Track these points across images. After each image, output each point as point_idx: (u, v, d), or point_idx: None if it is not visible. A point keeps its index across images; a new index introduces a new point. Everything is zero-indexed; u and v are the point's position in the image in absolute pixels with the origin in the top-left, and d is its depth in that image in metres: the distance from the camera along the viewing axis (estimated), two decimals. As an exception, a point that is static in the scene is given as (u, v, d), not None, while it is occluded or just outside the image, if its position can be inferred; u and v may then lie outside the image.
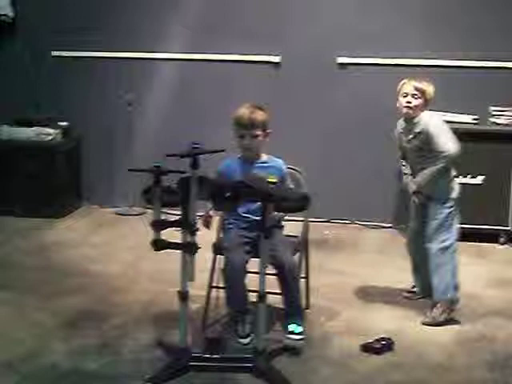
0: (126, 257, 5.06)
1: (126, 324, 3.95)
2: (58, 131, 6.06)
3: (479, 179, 5.51)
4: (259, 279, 3.36)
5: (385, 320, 4.09)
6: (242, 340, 3.68)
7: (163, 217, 3.34)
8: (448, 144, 4.00)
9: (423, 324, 4.06)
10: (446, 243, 4.11)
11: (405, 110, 4.09)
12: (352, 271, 4.92)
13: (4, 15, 6.20)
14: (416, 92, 4.07)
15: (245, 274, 3.63)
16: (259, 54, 6.04)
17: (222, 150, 3.32)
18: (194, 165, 3.22)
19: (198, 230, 3.26)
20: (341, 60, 5.93)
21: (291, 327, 3.69)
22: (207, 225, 3.66)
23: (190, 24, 6.06)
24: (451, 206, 4.14)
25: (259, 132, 3.79)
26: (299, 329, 3.69)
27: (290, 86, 6.04)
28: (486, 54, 5.65)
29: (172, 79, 6.19)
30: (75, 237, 5.55)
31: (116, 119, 6.15)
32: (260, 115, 3.81)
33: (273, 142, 5.86)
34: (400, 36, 5.79)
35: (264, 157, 3.89)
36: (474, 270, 4.96)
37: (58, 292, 4.38)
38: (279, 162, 3.88)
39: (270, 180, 3.20)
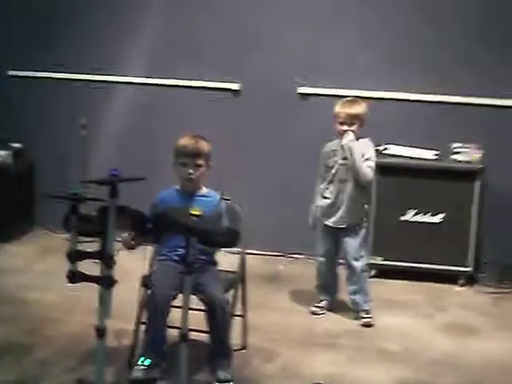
0: (66, 285, 4.81)
1: (50, 359, 3.74)
2: (8, 153, 5.85)
3: (438, 217, 5.30)
4: (181, 316, 3.16)
5: (326, 363, 3.89)
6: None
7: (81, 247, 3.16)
8: (368, 170, 4.41)
9: (364, 325, 4.44)
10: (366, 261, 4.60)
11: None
12: (301, 309, 4.71)
13: (-42, 34, 6.04)
14: (352, 120, 4.36)
15: (166, 312, 3.43)
16: (218, 81, 5.88)
17: (142, 178, 3.14)
18: (113, 193, 3.02)
19: (114, 262, 3.06)
20: (301, 90, 5.77)
21: (220, 374, 3.49)
22: (129, 246, 3.44)
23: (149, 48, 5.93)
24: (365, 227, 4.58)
25: (203, 162, 3.65)
26: (228, 376, 3.49)
27: (250, 114, 5.87)
28: (450, 88, 5.46)
29: (128, 103, 6.00)
30: (18, 263, 5.32)
31: (70, 142, 5.95)
32: (205, 145, 3.70)
33: (233, 170, 5.78)
34: (362, 68, 5.61)
35: (204, 189, 3.73)
36: (428, 313, 4.77)
37: (-17, 322, 4.18)
38: (218, 197, 3.70)
39: (193, 212, 3.01)
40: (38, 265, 5.31)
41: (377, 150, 5.35)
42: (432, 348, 4.18)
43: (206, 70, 5.89)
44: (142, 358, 3.46)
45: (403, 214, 5.32)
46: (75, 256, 3.12)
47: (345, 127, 4.39)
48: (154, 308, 3.42)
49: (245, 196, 5.70)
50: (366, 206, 4.57)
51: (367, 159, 4.41)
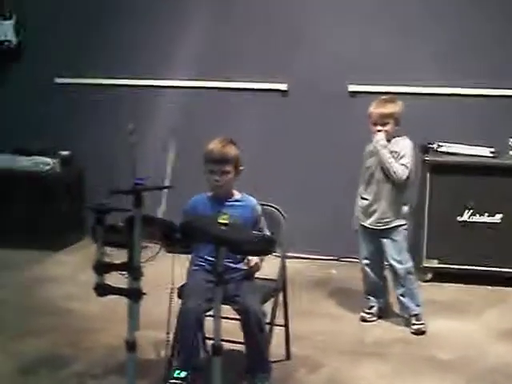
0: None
1: (87, 372, 3.65)
2: (56, 161, 5.83)
3: (497, 217, 5.04)
4: (214, 329, 3.02)
5: (373, 375, 3.69)
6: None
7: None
8: (401, 168, 4.20)
9: (415, 333, 4.22)
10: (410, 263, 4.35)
11: None
12: (351, 316, 4.51)
13: (7, 41, 6.05)
14: (384, 120, 4.21)
15: (198, 325, 3.30)
16: (266, 82, 5.74)
17: (169, 187, 3.03)
18: (137, 202, 2.91)
19: (142, 274, 2.95)
20: (352, 88, 5.59)
21: None
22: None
23: (196, 51, 5.84)
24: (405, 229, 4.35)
25: (230, 168, 3.49)
26: None
27: (298, 114, 5.71)
28: (505, 82, 5.23)
29: (175, 107, 5.91)
30: (64, 272, 5.27)
31: (118, 149, 5.89)
32: (232, 150, 3.53)
33: (282, 172, 5.64)
34: (414, 63, 5.42)
35: (236, 195, 3.59)
36: (488, 319, 4.52)
37: (26, 333, 4.12)
38: (252, 201, 3.56)
39: (221, 221, 2.87)
40: (82, 274, 5.20)
41: (430, 148, 5.20)
42: (488, 356, 3.93)
43: (253, 71, 5.76)
44: (178, 371, 3.34)
45: (460, 215, 5.08)
46: (102, 268, 3.03)
47: (378, 127, 4.23)
48: (186, 323, 3.28)
49: (295, 197, 5.62)
50: (405, 207, 4.33)
51: (402, 157, 4.21)
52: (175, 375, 3.32)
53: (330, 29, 5.62)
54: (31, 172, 5.80)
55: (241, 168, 3.54)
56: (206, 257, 3.43)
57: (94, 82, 6.03)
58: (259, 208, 3.57)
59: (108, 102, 6.01)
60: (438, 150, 5.19)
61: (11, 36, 6.05)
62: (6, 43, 6.05)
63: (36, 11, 6.09)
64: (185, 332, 3.28)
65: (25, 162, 5.81)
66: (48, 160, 5.82)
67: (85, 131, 6.06)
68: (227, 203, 3.51)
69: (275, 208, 3.75)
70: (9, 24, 6.03)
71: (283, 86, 5.74)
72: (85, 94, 6.05)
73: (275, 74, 5.74)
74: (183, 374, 3.31)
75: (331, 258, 5.70)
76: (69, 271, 5.31)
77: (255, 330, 3.31)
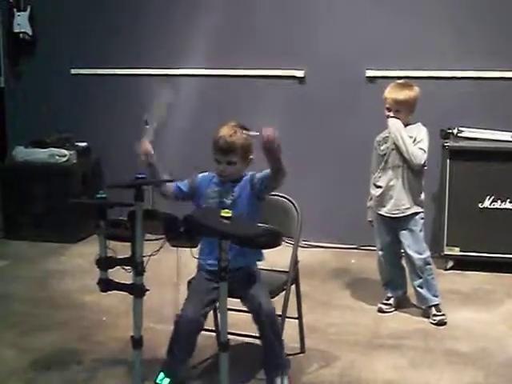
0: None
1: (98, 367, 3.60)
2: (72, 152, 5.80)
3: (520, 204, 4.93)
4: (220, 325, 2.95)
5: (388, 368, 3.59)
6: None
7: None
8: (419, 152, 4.07)
9: (435, 324, 4.11)
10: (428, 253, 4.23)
11: None
12: (369, 307, 4.42)
13: (23, 33, 6.04)
14: (397, 106, 4.07)
15: (195, 331, 3.19)
16: (282, 69, 5.65)
17: (171, 181, 2.97)
18: (138, 196, 2.86)
19: (144, 269, 2.90)
20: (370, 73, 5.47)
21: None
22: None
23: (211, 38, 5.75)
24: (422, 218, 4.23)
25: (237, 158, 3.29)
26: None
27: (316, 100, 5.62)
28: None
29: (193, 96, 5.84)
30: (82, 264, 5.21)
31: (135, 139, 5.82)
32: (240, 139, 3.30)
33: (299, 160, 5.55)
34: (433, 47, 5.30)
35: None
36: (508, 308, 4.40)
37: (40, 327, 4.10)
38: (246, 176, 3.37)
39: (224, 214, 2.79)
40: (101, 265, 5.22)
41: (450, 133, 5.08)
42: (508, 348, 3.81)
43: (269, 58, 5.68)
44: (161, 377, 3.20)
45: (481, 201, 4.96)
46: (105, 263, 2.99)
47: (391, 113, 4.10)
48: (183, 332, 3.18)
49: (313, 186, 5.54)
50: (421, 194, 4.21)
51: (419, 142, 4.08)
52: (157, 381, 3.19)
53: (346, 14, 5.53)
54: (48, 164, 5.79)
55: (251, 157, 3.35)
56: (205, 257, 3.30)
57: (109, 73, 6.00)
58: (249, 174, 3.36)
59: (123, 92, 5.98)
60: (458, 135, 5.07)
61: (26, 28, 6.03)
62: (22, 35, 6.04)
63: (50, 2, 6.09)
64: (181, 339, 3.18)
65: (41, 154, 5.80)
66: (64, 151, 5.80)
67: (101, 122, 6.04)
68: (227, 185, 3.34)
69: (288, 199, 3.64)
70: (24, 16, 6.02)
71: (300, 73, 5.65)
72: (100, 85, 6.04)
73: (292, 60, 5.64)
74: (166, 382, 3.18)
75: (350, 246, 5.62)
76: (86, 263, 5.24)
77: (267, 330, 3.18)
